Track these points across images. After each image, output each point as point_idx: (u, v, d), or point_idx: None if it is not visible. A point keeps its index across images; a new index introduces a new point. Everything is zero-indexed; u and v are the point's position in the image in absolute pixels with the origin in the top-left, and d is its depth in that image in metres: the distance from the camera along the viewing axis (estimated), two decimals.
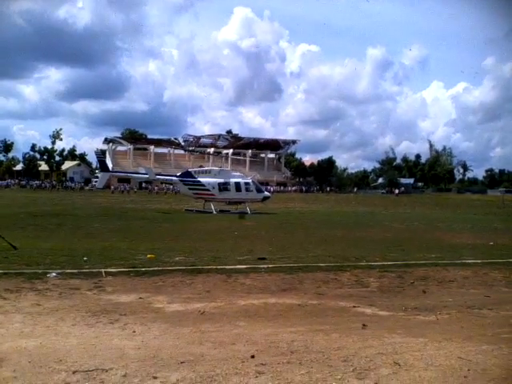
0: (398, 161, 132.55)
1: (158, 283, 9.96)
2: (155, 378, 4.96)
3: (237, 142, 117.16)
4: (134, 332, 6.60)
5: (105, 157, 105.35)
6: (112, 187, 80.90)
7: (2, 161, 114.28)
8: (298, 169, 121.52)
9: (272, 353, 5.85)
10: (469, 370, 5.40)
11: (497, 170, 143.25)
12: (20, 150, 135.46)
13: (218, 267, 11.71)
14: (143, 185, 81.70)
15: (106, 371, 5.08)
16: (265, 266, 12.10)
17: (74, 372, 5.03)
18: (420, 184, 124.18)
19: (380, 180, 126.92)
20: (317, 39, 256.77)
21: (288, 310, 8.10)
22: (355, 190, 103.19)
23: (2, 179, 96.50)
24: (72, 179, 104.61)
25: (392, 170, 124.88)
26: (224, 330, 6.83)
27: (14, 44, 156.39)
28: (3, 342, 6.00)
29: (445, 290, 10.11)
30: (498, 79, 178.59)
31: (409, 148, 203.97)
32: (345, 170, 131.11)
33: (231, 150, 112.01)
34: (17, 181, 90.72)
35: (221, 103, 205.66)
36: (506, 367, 5.50)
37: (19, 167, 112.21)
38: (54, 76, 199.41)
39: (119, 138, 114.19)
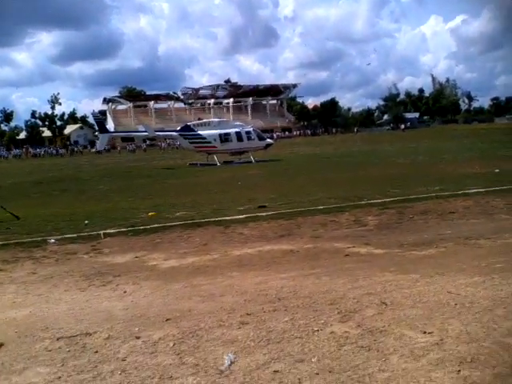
0: (402, 96, 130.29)
1: (156, 240, 9.96)
2: (138, 337, 4.93)
3: (236, 91, 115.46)
4: (125, 292, 6.60)
5: (105, 117, 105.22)
6: (119, 148, 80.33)
7: (5, 131, 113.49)
8: (301, 112, 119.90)
9: (260, 301, 5.81)
10: (456, 304, 5.32)
11: (503, 98, 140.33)
12: (21, 118, 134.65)
13: (217, 219, 11.67)
14: (147, 142, 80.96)
15: (90, 335, 5.07)
16: (264, 213, 12.04)
17: (57, 339, 5.03)
18: (426, 117, 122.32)
19: (385, 117, 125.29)
20: None
21: (282, 256, 8.07)
22: (355, 129, 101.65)
23: (9, 149, 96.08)
24: (76, 142, 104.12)
25: (396, 105, 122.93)
26: (215, 282, 6.81)
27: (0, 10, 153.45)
28: None
29: (444, 222, 10.02)
30: (497, 9, 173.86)
31: (412, 83, 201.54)
32: (349, 109, 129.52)
33: (231, 99, 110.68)
34: (23, 150, 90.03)
35: (217, 53, 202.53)
36: (493, 298, 5.40)
37: (22, 135, 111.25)
38: (46, 40, 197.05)
39: (118, 97, 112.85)
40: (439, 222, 10.03)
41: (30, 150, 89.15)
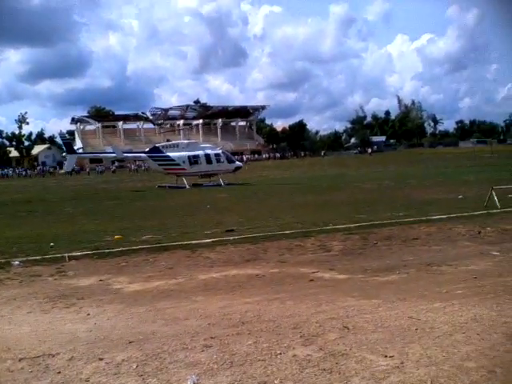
0: (369, 119, 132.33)
1: (121, 264, 9.91)
2: (101, 359, 4.94)
3: (205, 112, 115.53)
4: (89, 315, 6.57)
5: (73, 138, 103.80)
6: (88, 169, 79.41)
7: None
8: (270, 135, 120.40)
9: (224, 325, 5.87)
10: (416, 329, 5.46)
11: (467, 121, 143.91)
12: None
13: (184, 243, 11.68)
14: (116, 164, 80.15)
15: (53, 356, 5.06)
16: (231, 237, 12.10)
17: (20, 359, 5.00)
18: (392, 141, 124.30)
19: (353, 140, 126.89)
20: (279, 0, 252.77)
21: (247, 280, 8.13)
22: (322, 153, 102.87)
23: None
24: (44, 163, 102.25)
25: (363, 129, 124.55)
26: (180, 306, 6.83)
27: None
28: None
29: (407, 248, 10.23)
30: (462, 28, 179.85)
31: (378, 105, 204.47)
32: (317, 132, 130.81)
33: (201, 121, 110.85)
34: None
35: (186, 72, 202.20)
36: (453, 323, 5.57)
37: None
38: (14, 57, 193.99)
39: (86, 116, 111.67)
40: (402, 248, 10.24)
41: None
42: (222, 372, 4.54)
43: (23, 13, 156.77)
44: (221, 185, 35.41)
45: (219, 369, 4.62)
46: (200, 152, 37.57)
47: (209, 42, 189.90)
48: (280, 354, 4.92)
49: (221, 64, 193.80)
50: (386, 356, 4.76)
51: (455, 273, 8.00)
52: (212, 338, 5.44)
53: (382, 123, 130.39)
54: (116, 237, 13.20)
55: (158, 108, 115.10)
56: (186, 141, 42.23)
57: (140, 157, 43.46)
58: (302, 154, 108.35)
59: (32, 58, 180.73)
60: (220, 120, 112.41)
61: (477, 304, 6.25)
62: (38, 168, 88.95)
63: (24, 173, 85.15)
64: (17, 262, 10.05)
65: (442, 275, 7.91)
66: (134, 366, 4.74)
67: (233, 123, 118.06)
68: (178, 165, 36.65)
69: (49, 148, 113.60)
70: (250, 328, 5.71)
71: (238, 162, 41.99)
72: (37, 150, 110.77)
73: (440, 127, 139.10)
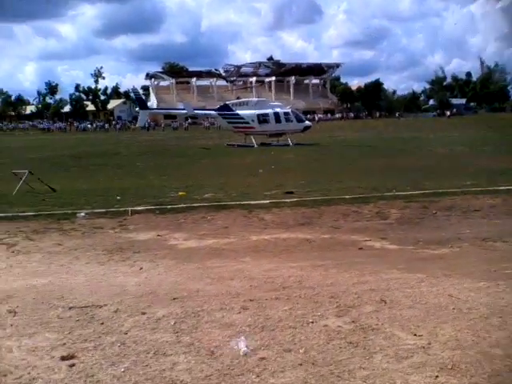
0: (449, 80, 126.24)
1: (180, 220, 10.27)
2: (143, 313, 5.22)
3: (279, 69, 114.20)
4: (141, 269, 6.92)
5: (148, 93, 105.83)
6: (162, 124, 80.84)
7: (50, 103, 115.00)
8: (344, 94, 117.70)
9: (265, 288, 6.02)
10: (454, 308, 5.35)
11: None
12: (66, 91, 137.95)
13: (242, 203, 11.91)
14: (189, 120, 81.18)
15: (100, 307, 5.40)
16: (289, 200, 12.19)
17: (70, 308, 5.38)
18: (473, 104, 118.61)
19: (431, 102, 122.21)
20: None
21: (297, 244, 8.23)
22: (397, 114, 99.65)
23: (53, 121, 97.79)
24: (120, 117, 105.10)
25: (442, 90, 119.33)
26: (227, 265, 7.05)
27: None
28: (16, 280, 6.45)
29: (466, 220, 9.94)
30: None
31: (460, 66, 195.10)
32: (394, 92, 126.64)
33: (274, 78, 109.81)
34: (68, 123, 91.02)
35: (260, 29, 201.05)
36: (493, 306, 5.41)
37: (67, 109, 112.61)
38: (89, 12, 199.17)
39: (160, 72, 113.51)
40: (461, 219, 9.96)
41: (75, 123, 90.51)
42: (251, 335, 4.68)
43: None
44: (289, 145, 35.29)
45: (250, 332, 4.77)
46: (269, 110, 37.34)
47: None
48: (312, 322, 5.00)
49: (295, 21, 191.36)
50: (415, 334, 4.73)
51: (509, 251, 7.70)
52: (251, 300, 5.60)
53: (462, 85, 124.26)
54: (180, 193, 13.62)
55: (230, 65, 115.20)
56: (255, 99, 42.19)
57: (210, 114, 43.86)
58: (377, 115, 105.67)
59: (107, 13, 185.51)
60: (293, 77, 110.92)
61: None
62: (114, 123, 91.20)
63: (101, 127, 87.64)
64: (82, 214, 10.62)
65: (494, 252, 7.65)
66: (172, 323, 4.98)
67: (306, 81, 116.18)
68: (247, 123, 36.69)
69: (124, 103, 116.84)
70: (290, 293, 5.83)
71: (307, 122, 41.56)
72: (112, 104, 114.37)
73: None
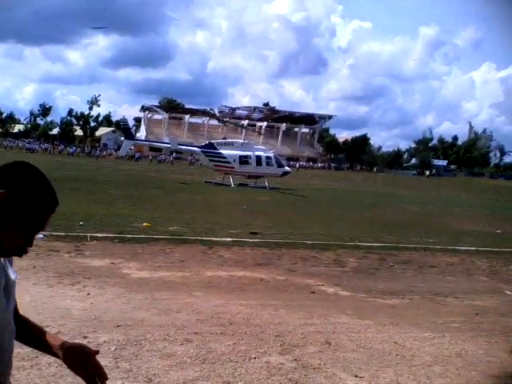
0: (435, 142, 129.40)
1: (138, 250, 10.19)
2: (85, 337, 5.17)
3: (272, 115, 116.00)
4: (89, 294, 6.85)
5: (139, 124, 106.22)
6: (150, 157, 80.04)
7: (39, 124, 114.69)
8: (330, 144, 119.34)
9: (211, 323, 6.02)
10: (397, 354, 5.46)
11: None
12: (60, 114, 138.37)
13: (204, 238, 11.90)
14: (174, 155, 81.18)
15: None
16: (251, 240, 12.23)
17: None
18: (453, 167, 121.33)
19: (413, 160, 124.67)
20: (370, 16, 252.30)
21: (251, 283, 8.25)
22: (375, 169, 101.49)
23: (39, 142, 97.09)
24: (106, 145, 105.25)
25: (427, 150, 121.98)
26: (177, 298, 7.03)
27: (64, 9, 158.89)
28: None
29: (421, 275, 10.07)
30: None
31: (449, 129, 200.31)
32: (379, 148, 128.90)
33: (265, 123, 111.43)
34: (53, 145, 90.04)
35: (264, 75, 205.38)
36: (436, 355, 5.53)
37: (55, 131, 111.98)
38: (102, 42, 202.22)
39: (156, 106, 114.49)
40: (416, 274, 10.10)
41: (61, 146, 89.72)
42: (192, 367, 4.70)
43: (119, 2, 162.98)
44: (266, 187, 35.57)
45: (191, 363, 4.78)
46: (251, 153, 37.87)
47: (292, 48, 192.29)
48: (254, 358, 5.04)
49: (300, 71, 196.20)
50: (356, 376, 4.81)
51: (459, 306, 7.86)
52: (196, 333, 5.60)
53: (446, 147, 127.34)
54: (144, 224, 13.56)
55: (226, 106, 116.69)
56: (241, 140, 42.71)
57: (194, 150, 44.18)
58: (358, 168, 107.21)
59: (118, 45, 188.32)
60: (284, 124, 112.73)
61: (467, 340, 6.17)
62: (99, 149, 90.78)
63: (82, 151, 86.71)
64: (40, 235, 10.48)
65: (444, 306, 7.79)
66: (113, 349, 4.95)
67: (296, 129, 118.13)
68: (229, 162, 37.05)
69: (113, 131, 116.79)
70: (236, 329, 5.84)
71: (287, 168, 42.16)
72: (101, 131, 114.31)
73: (506, 159, 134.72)
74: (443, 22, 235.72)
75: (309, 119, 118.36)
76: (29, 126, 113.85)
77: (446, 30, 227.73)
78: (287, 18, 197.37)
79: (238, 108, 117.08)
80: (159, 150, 77.44)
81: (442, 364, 5.31)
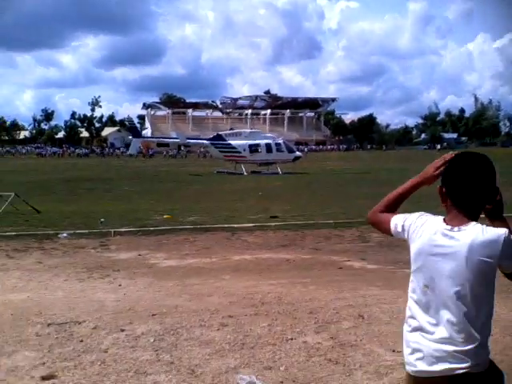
0: (442, 116, 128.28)
1: (162, 241, 10.27)
2: (122, 330, 5.20)
3: (275, 102, 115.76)
4: (120, 285, 6.91)
5: (143, 122, 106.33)
6: (164, 152, 79.69)
7: (44, 129, 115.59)
8: (337, 126, 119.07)
9: (244, 304, 6.04)
10: None
11: None
12: (62, 118, 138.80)
13: (226, 226, 11.94)
14: (184, 149, 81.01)
15: (79, 323, 5.37)
16: (273, 223, 12.24)
17: (48, 324, 5.34)
18: (464, 139, 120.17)
19: (423, 136, 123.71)
20: None
21: (277, 264, 8.28)
22: (384, 147, 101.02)
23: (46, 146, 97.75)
24: (113, 145, 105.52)
25: (435, 125, 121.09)
26: (207, 283, 7.07)
27: (50, 13, 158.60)
28: None
29: None
30: None
31: (454, 102, 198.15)
32: (387, 126, 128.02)
33: (269, 111, 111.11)
34: (63, 149, 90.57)
35: (259, 63, 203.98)
36: None
37: (61, 135, 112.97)
38: (92, 43, 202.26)
39: (157, 102, 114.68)
40: None
41: (71, 148, 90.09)
42: (231, 353, 4.66)
43: (103, 1, 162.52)
44: (278, 173, 35.56)
45: (230, 350, 4.74)
46: (261, 141, 37.97)
47: (283, 34, 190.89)
48: (291, 339, 5.00)
49: (294, 56, 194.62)
50: (393, 350, 4.73)
51: None
52: (230, 316, 5.61)
53: (455, 121, 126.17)
54: (165, 216, 13.64)
55: (227, 97, 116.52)
56: (248, 130, 42.74)
57: (203, 143, 44.31)
58: (368, 147, 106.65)
59: (109, 45, 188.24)
60: (288, 111, 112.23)
61: (498, 302, 5.97)
62: (107, 149, 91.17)
63: (92, 151, 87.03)
64: (64, 234, 10.60)
65: None
66: (152, 340, 4.94)
67: (301, 114, 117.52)
68: (239, 152, 37.18)
69: (118, 131, 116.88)
70: (269, 309, 5.84)
71: (297, 152, 42.01)
72: (107, 131, 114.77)
73: None
74: None
75: (312, 103, 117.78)
76: (34, 131, 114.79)
77: (435, 4, 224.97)
78: (272, 3, 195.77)
79: (240, 98, 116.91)
80: (166, 145, 77.32)
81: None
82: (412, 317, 2.14)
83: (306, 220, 12.90)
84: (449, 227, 2.06)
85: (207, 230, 11.44)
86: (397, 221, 2.26)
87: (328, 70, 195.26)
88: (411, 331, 2.14)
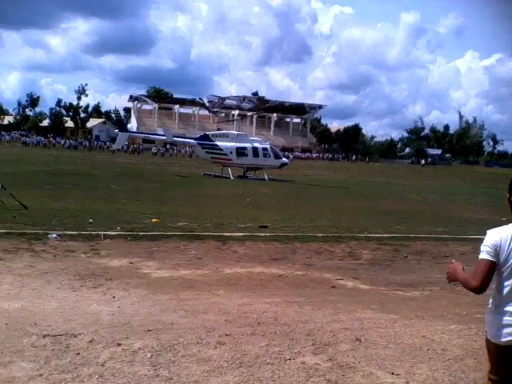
0: (427, 131, 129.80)
1: (153, 248, 10.19)
2: (119, 344, 5.13)
3: (262, 105, 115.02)
4: (114, 297, 6.82)
5: (129, 115, 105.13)
6: (153, 149, 79.12)
7: (29, 116, 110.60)
8: (323, 135, 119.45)
9: (240, 323, 6.01)
10: (428, 349, 5.48)
11: None
12: (47, 104, 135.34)
13: (216, 234, 11.89)
14: (169, 147, 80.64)
15: (75, 336, 5.29)
16: (263, 234, 12.24)
17: (44, 336, 5.25)
18: (448, 155, 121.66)
19: (407, 150, 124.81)
20: (351, 1, 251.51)
21: (270, 280, 8.27)
22: (367, 159, 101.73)
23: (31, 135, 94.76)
24: (98, 137, 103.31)
25: (419, 139, 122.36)
26: (201, 298, 7.02)
27: None
28: None
29: (437, 265, 10.09)
30: None
31: (438, 118, 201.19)
32: (372, 138, 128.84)
33: (256, 113, 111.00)
34: (48, 139, 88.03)
35: (248, 63, 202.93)
36: (466, 348, 5.56)
37: (46, 123, 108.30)
38: (82, 27, 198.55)
39: (144, 96, 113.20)
40: (432, 264, 10.15)
41: (56, 139, 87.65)
42: (230, 371, 4.64)
43: None
44: (265, 179, 35.58)
45: (228, 368, 4.73)
46: (248, 144, 37.84)
47: (274, 35, 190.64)
48: (289, 359, 5.01)
49: (284, 58, 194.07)
50: (392, 373, 4.80)
51: (479, 296, 7.84)
52: (227, 335, 5.58)
53: (439, 137, 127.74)
54: (154, 220, 13.54)
55: (215, 96, 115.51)
56: (235, 132, 42.56)
57: (189, 142, 44.00)
58: (353, 158, 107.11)
59: (98, 30, 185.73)
60: (275, 115, 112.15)
61: None
62: (94, 143, 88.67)
63: (87, 144, 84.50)
64: (54, 235, 10.46)
65: (465, 296, 7.73)
66: (149, 356, 4.90)
67: (287, 119, 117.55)
68: (226, 155, 37.05)
69: (104, 123, 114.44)
70: (265, 329, 5.83)
71: (284, 159, 42.02)
72: (92, 123, 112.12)
73: (499, 147, 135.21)
74: (423, 9, 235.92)
75: (299, 109, 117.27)
76: (18, 117, 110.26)
77: (427, 17, 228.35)
78: (267, 2, 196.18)
79: (228, 97, 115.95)
80: (152, 141, 76.81)
81: (473, 357, 5.32)
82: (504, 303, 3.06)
83: (296, 232, 12.92)
84: None
85: (197, 237, 11.35)
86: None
87: (316, 76, 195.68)
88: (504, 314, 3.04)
